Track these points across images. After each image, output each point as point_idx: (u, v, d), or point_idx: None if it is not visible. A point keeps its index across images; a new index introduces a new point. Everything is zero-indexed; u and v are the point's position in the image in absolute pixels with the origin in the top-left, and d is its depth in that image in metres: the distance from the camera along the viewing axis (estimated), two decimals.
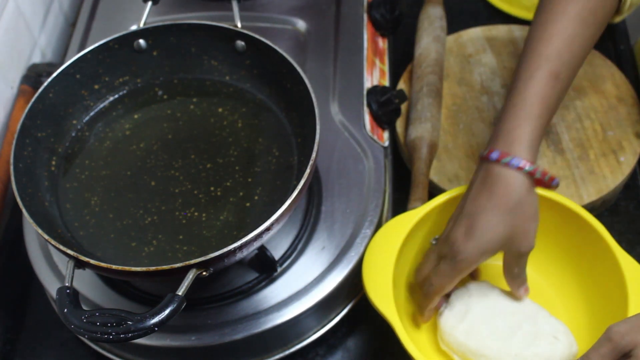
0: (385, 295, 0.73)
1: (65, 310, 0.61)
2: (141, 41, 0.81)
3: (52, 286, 0.77)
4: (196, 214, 0.73)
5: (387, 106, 0.87)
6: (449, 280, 0.73)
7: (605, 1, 0.74)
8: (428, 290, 0.75)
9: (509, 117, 0.73)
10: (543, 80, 0.72)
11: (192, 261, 0.62)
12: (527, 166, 0.71)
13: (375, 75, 0.91)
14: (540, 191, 0.77)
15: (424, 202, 0.82)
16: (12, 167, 0.70)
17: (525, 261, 0.75)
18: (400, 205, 0.86)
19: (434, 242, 0.79)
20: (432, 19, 1.00)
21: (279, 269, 0.76)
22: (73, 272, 0.64)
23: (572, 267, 0.81)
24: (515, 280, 0.76)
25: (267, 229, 0.65)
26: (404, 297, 0.79)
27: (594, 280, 0.79)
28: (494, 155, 0.71)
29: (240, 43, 0.80)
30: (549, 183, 0.75)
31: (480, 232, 0.71)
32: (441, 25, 0.99)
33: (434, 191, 0.84)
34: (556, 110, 0.74)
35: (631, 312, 0.71)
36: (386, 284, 0.74)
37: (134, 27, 0.84)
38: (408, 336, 0.70)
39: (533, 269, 0.83)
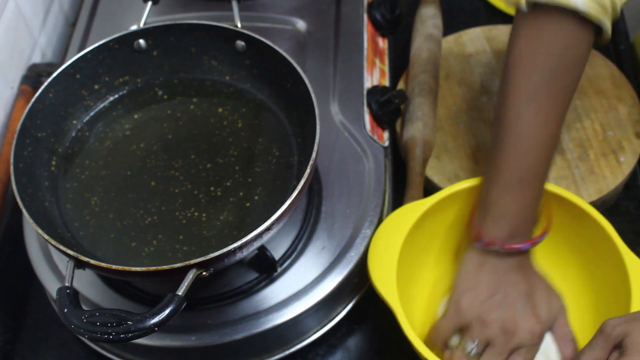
0: (389, 282, 0.73)
1: (65, 310, 0.61)
2: (141, 41, 0.81)
3: (52, 286, 0.77)
4: (196, 214, 0.73)
5: (387, 106, 0.87)
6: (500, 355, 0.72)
7: (571, 66, 0.70)
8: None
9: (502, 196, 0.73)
10: (516, 192, 0.72)
11: (192, 261, 0.62)
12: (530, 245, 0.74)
13: (375, 75, 0.91)
14: (549, 187, 0.77)
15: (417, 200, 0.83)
16: (12, 167, 0.70)
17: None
18: (400, 205, 0.86)
19: (472, 350, 0.73)
20: (424, 18, 1.00)
21: (279, 269, 0.76)
22: (73, 272, 0.64)
23: (577, 263, 0.81)
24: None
25: (267, 229, 0.65)
26: (410, 287, 0.79)
27: (598, 277, 0.79)
28: (521, 246, 0.73)
29: (240, 43, 0.80)
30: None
31: (548, 310, 0.73)
32: (434, 24, 1.00)
33: (433, 191, 0.84)
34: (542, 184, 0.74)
35: (634, 309, 0.71)
36: (391, 271, 0.74)
37: (134, 27, 0.84)
38: (410, 325, 0.71)
39: (535, 265, 0.83)
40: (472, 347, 0.72)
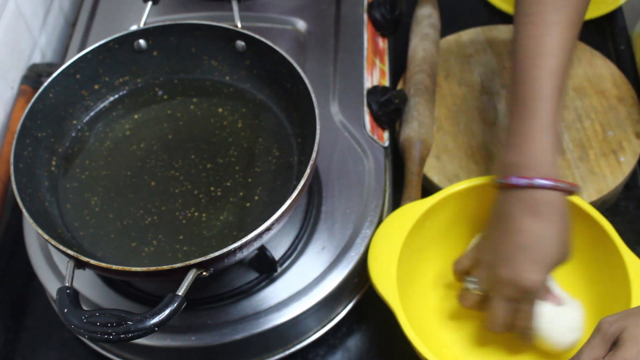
0: (389, 282, 0.74)
1: (65, 310, 0.61)
2: (141, 41, 0.81)
3: (52, 286, 0.77)
4: (196, 214, 0.73)
5: (387, 106, 0.87)
6: (533, 316, 0.73)
7: None
8: (523, 334, 0.75)
9: (524, 137, 0.72)
10: (551, 99, 0.71)
11: (192, 261, 0.62)
12: (561, 184, 0.71)
13: (375, 75, 0.91)
14: None
15: (415, 200, 0.83)
16: (12, 167, 0.70)
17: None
18: (399, 205, 0.86)
19: (471, 286, 0.76)
20: (420, 18, 1.00)
21: (279, 269, 0.76)
22: (73, 272, 0.64)
23: (576, 263, 0.81)
24: None
25: (267, 229, 0.65)
26: (410, 287, 0.79)
27: (598, 277, 0.79)
28: (522, 181, 0.71)
29: (240, 43, 0.80)
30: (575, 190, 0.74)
31: (548, 260, 0.71)
32: (430, 23, 1.00)
33: (433, 191, 0.84)
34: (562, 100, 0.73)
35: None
36: (391, 271, 0.74)
37: (134, 27, 0.84)
38: (410, 325, 0.71)
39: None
40: (470, 283, 0.75)
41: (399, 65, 1.00)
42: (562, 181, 0.71)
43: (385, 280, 0.74)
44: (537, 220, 0.71)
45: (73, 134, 0.79)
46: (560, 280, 0.82)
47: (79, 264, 0.65)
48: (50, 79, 0.76)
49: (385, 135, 0.87)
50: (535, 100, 0.71)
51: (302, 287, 0.75)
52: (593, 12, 1.06)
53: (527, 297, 0.72)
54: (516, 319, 0.73)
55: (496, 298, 0.73)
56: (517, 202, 0.72)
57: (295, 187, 0.67)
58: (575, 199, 0.78)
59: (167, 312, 0.59)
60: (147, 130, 0.80)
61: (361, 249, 0.77)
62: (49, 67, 0.99)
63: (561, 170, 0.90)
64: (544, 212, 0.71)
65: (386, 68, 0.96)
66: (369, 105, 0.87)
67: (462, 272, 0.77)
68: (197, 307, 0.75)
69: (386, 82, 0.94)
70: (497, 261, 0.72)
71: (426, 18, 1.00)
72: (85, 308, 0.62)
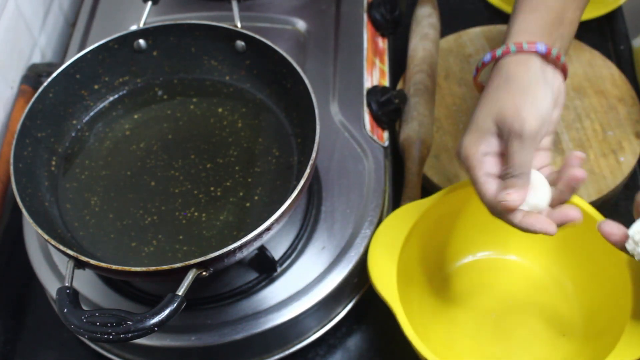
0: (389, 282, 0.74)
1: (65, 310, 0.61)
2: (141, 41, 0.81)
3: (52, 286, 0.77)
4: (196, 214, 0.73)
5: (387, 106, 0.87)
6: (477, 188, 0.67)
7: None
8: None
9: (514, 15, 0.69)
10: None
11: (192, 261, 0.62)
12: (512, 47, 0.66)
13: (375, 75, 0.91)
14: None
15: (415, 200, 0.83)
16: (12, 167, 0.70)
17: (519, 154, 0.65)
18: (399, 204, 0.86)
19: None
20: (420, 18, 1.00)
21: (279, 269, 0.76)
22: (73, 272, 0.64)
23: (576, 263, 0.81)
24: (509, 180, 0.66)
25: (267, 229, 0.65)
26: (410, 287, 0.79)
27: (598, 277, 0.79)
28: (486, 58, 0.68)
29: (240, 43, 0.80)
30: (558, 59, 0.68)
31: (472, 118, 0.67)
32: (429, 23, 1.00)
33: (433, 191, 0.84)
34: (565, 12, 0.69)
35: (634, 309, 0.72)
36: (391, 271, 0.74)
37: (134, 27, 0.84)
38: (410, 325, 0.71)
39: (536, 265, 0.83)
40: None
41: (398, 65, 1.00)
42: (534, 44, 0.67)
43: (385, 280, 0.74)
44: (492, 81, 0.68)
45: (73, 134, 0.79)
46: (560, 280, 0.82)
47: (79, 264, 0.65)
48: (50, 79, 0.76)
49: (385, 135, 0.87)
50: None
51: (302, 287, 0.75)
52: (593, 12, 1.06)
53: (465, 166, 0.68)
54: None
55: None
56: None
57: (295, 187, 0.67)
58: (575, 198, 0.78)
59: (167, 312, 0.59)
60: (147, 130, 0.80)
61: (361, 249, 0.77)
62: (49, 67, 0.99)
63: None
64: (499, 72, 0.67)
65: (386, 68, 0.96)
66: (369, 105, 0.87)
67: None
68: (197, 307, 0.75)
69: (386, 82, 0.94)
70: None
71: (426, 18, 1.00)
72: (85, 308, 0.62)
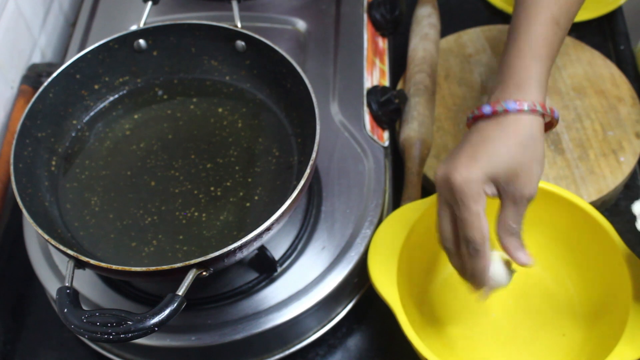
0: (389, 282, 0.74)
1: (65, 310, 0.61)
2: (141, 41, 0.81)
3: (52, 286, 0.77)
4: (196, 214, 0.73)
5: (387, 106, 0.87)
6: (465, 224, 0.66)
7: None
8: (469, 250, 0.67)
9: (513, 61, 0.70)
10: (545, 25, 0.69)
11: (192, 261, 0.62)
12: (539, 108, 0.67)
13: (375, 75, 0.91)
14: (548, 186, 0.77)
15: (415, 200, 0.83)
16: (12, 167, 0.70)
17: (522, 214, 0.67)
18: (400, 204, 0.86)
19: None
20: (420, 18, 1.01)
21: (279, 269, 0.76)
22: (73, 272, 0.64)
23: (576, 263, 0.81)
24: (510, 238, 0.68)
25: (267, 229, 0.65)
26: (410, 287, 0.79)
27: (598, 277, 0.79)
28: (511, 106, 0.67)
29: (240, 43, 0.80)
30: (554, 120, 0.70)
31: (486, 158, 0.66)
32: (429, 23, 1.00)
33: (433, 191, 0.84)
34: (555, 58, 0.71)
35: (634, 309, 0.72)
36: (391, 271, 0.74)
37: (134, 27, 0.84)
38: (410, 325, 0.71)
39: (536, 264, 0.83)
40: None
41: (399, 65, 1.00)
42: (550, 108, 0.68)
43: (385, 280, 0.74)
44: (498, 127, 0.67)
45: (73, 134, 0.79)
46: (560, 280, 0.82)
47: (79, 264, 0.65)
48: (50, 79, 0.76)
49: (385, 135, 0.87)
50: (530, 27, 0.70)
51: (302, 287, 0.75)
52: (593, 12, 1.06)
53: (459, 198, 0.65)
54: (459, 230, 0.67)
55: (438, 206, 0.69)
56: (482, 125, 0.69)
57: (295, 187, 0.67)
58: (575, 198, 0.78)
59: (167, 312, 0.59)
60: (147, 130, 0.80)
61: (361, 249, 0.77)
62: (49, 67, 0.99)
63: (561, 170, 0.90)
64: (510, 125, 0.67)
65: (386, 68, 0.96)
66: (369, 105, 0.87)
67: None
68: (197, 307, 0.75)
69: (386, 82, 0.94)
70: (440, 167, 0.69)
71: (426, 18, 1.00)
72: (85, 308, 0.62)
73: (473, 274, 0.69)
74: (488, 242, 0.67)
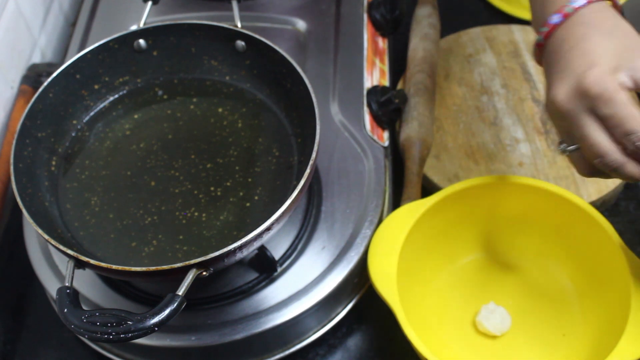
0: (389, 282, 0.74)
1: (65, 310, 0.61)
2: (141, 41, 0.81)
3: (52, 286, 0.77)
4: (196, 214, 0.73)
5: (387, 106, 0.87)
6: (618, 121, 0.59)
7: None
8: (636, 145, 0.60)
9: None
10: None
11: (192, 261, 0.62)
12: None
13: (375, 75, 0.91)
14: (548, 186, 0.77)
15: (415, 200, 0.83)
16: (12, 167, 0.70)
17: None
18: (400, 204, 0.86)
19: (564, 148, 0.65)
20: (420, 18, 1.01)
21: (279, 269, 0.76)
22: (73, 272, 0.64)
23: (576, 263, 0.81)
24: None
25: (267, 229, 0.65)
26: (410, 287, 0.79)
27: (598, 277, 0.79)
28: (578, 2, 0.64)
29: (240, 43, 0.80)
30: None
31: (596, 50, 0.62)
32: (429, 23, 1.00)
33: (433, 191, 0.84)
34: None
35: (634, 309, 0.72)
36: (391, 271, 0.74)
37: (134, 27, 0.84)
38: (410, 325, 0.71)
39: (536, 264, 0.83)
40: (561, 144, 0.66)
41: (399, 65, 1.00)
42: None
43: (385, 280, 0.74)
44: (583, 27, 0.63)
45: (73, 134, 0.79)
46: (560, 280, 0.82)
47: (79, 264, 0.65)
48: (50, 79, 0.76)
49: (385, 135, 0.87)
50: None
51: (302, 287, 0.75)
52: None
53: (599, 96, 0.59)
54: (614, 132, 0.60)
55: (579, 124, 0.61)
56: (561, 34, 0.65)
57: (295, 187, 0.67)
58: (575, 198, 0.78)
59: (167, 312, 0.59)
60: (147, 130, 0.80)
61: (361, 249, 0.77)
62: (49, 67, 0.99)
63: (561, 170, 0.90)
64: (591, 18, 0.64)
65: (386, 68, 0.96)
66: (369, 105, 0.87)
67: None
68: (197, 307, 0.75)
69: (386, 82, 0.94)
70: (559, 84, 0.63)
71: (426, 18, 1.00)
72: (85, 308, 0.62)
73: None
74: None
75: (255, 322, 0.73)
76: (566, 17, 0.65)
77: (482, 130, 0.94)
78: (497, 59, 1.00)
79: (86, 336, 0.59)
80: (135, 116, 0.81)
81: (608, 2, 0.66)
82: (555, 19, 0.66)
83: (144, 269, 0.63)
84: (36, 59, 1.02)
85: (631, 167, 0.61)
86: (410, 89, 0.93)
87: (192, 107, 0.81)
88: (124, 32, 0.80)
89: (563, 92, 0.62)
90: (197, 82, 0.83)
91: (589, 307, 0.79)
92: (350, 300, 0.81)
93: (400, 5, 0.97)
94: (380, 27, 0.96)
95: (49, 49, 1.06)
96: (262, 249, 0.73)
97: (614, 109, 0.59)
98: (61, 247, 0.64)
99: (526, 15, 1.06)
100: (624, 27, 0.65)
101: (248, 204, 0.73)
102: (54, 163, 0.77)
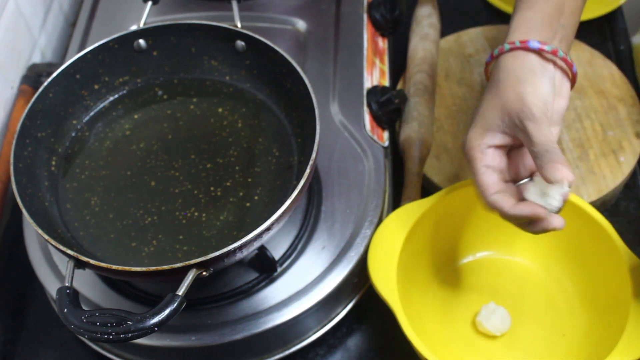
0: (389, 282, 0.74)
1: (65, 310, 0.61)
2: (141, 41, 0.81)
3: (52, 286, 0.77)
4: (196, 214, 0.73)
5: (387, 106, 0.87)
6: (475, 180, 0.68)
7: None
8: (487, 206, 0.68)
9: (512, 18, 0.71)
10: None
11: (192, 261, 0.62)
12: (506, 46, 0.68)
13: (375, 75, 0.91)
14: None
15: (415, 200, 0.83)
16: (12, 167, 0.70)
17: (540, 135, 0.64)
18: (400, 204, 0.86)
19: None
20: (420, 18, 1.01)
21: (279, 269, 0.76)
22: (73, 272, 0.64)
23: (577, 263, 0.81)
24: (538, 159, 0.64)
25: (267, 229, 0.65)
26: (410, 287, 0.79)
27: (598, 277, 0.79)
28: (502, 48, 0.69)
29: (240, 43, 0.80)
30: (568, 62, 0.69)
31: (477, 114, 0.69)
32: (429, 23, 1.00)
33: (433, 191, 0.84)
34: (566, 3, 0.69)
35: (634, 309, 0.72)
36: (391, 271, 0.74)
37: (134, 27, 0.84)
38: (410, 325, 0.71)
39: (536, 264, 0.83)
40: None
41: (399, 65, 1.00)
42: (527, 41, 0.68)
43: (385, 280, 0.74)
44: (497, 72, 0.69)
45: (73, 134, 0.79)
46: (560, 280, 0.82)
47: (79, 264, 0.65)
48: (50, 79, 0.76)
49: (385, 135, 0.87)
50: None
51: (302, 287, 0.75)
52: (593, 12, 1.06)
53: (468, 161, 0.69)
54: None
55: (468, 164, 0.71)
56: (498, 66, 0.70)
57: (295, 187, 0.67)
58: (575, 199, 0.78)
59: (167, 312, 0.59)
60: (147, 130, 0.80)
61: (361, 249, 0.77)
62: (49, 67, 0.99)
63: None
64: (505, 64, 0.68)
65: (386, 68, 0.96)
66: (369, 105, 0.87)
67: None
68: (197, 307, 0.75)
69: (386, 82, 0.94)
70: None
71: (426, 18, 1.00)
72: (85, 308, 0.62)
73: (509, 220, 0.68)
74: (492, 192, 0.67)
75: (255, 322, 0.73)
76: (492, 58, 0.71)
77: None
78: None
79: (86, 336, 0.59)
80: (135, 116, 0.81)
81: (534, 52, 0.68)
82: (487, 59, 0.72)
83: (144, 269, 0.63)
84: (36, 59, 1.02)
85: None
86: (410, 89, 0.93)
87: (192, 107, 0.81)
88: (124, 32, 0.80)
89: (463, 139, 0.71)
90: (197, 82, 0.83)
91: (589, 307, 0.79)
92: (350, 300, 0.81)
93: (400, 5, 0.97)
94: (380, 27, 0.96)
95: (49, 49, 1.06)
96: (262, 249, 0.73)
97: (473, 172, 0.69)
98: (61, 247, 0.64)
99: None
100: (533, 79, 0.67)
101: (248, 204, 0.73)
102: (54, 163, 0.77)
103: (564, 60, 0.69)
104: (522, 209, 0.65)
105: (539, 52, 0.68)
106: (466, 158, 0.69)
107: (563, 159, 0.63)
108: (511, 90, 0.67)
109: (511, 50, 0.69)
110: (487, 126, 0.68)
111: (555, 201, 0.64)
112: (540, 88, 0.66)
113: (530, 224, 0.66)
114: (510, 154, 0.70)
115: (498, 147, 0.69)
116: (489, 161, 0.68)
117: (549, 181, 0.63)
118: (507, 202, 0.66)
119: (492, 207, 0.68)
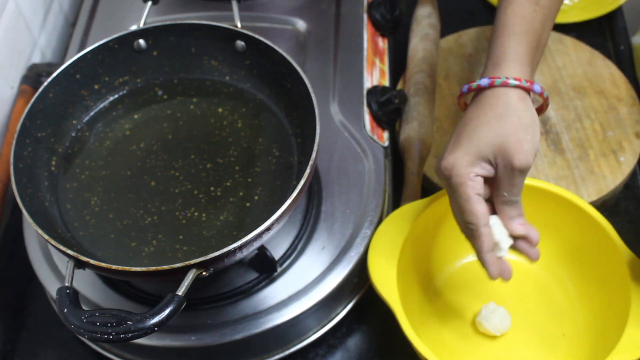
0: (389, 282, 0.74)
1: (65, 310, 0.61)
2: (141, 41, 0.81)
3: (52, 286, 0.77)
4: (196, 214, 0.73)
5: (387, 106, 0.87)
6: (460, 209, 0.69)
7: None
8: (464, 232, 0.71)
9: (492, 42, 0.71)
10: (522, 5, 0.70)
11: (192, 261, 0.62)
12: (512, 81, 0.68)
13: (375, 75, 0.91)
14: (549, 187, 0.77)
15: (415, 200, 0.83)
16: (12, 167, 0.70)
17: (519, 184, 0.68)
18: (400, 204, 0.86)
19: None
20: (420, 18, 1.01)
21: (279, 269, 0.76)
22: (73, 272, 0.64)
23: (577, 263, 0.81)
24: (503, 206, 0.69)
25: (267, 229, 0.65)
26: (410, 287, 0.79)
27: (598, 277, 0.79)
28: (483, 82, 0.69)
29: (240, 43, 0.80)
30: (541, 94, 0.71)
31: (467, 139, 0.68)
32: (429, 23, 1.00)
33: (433, 191, 0.84)
34: (543, 37, 0.71)
35: (634, 310, 0.72)
36: (391, 271, 0.74)
37: (134, 27, 0.84)
38: (410, 325, 0.71)
39: (537, 265, 0.83)
40: None
41: (399, 65, 1.00)
42: (523, 80, 0.68)
43: (385, 280, 0.74)
44: (475, 108, 0.69)
45: (73, 134, 0.79)
46: (560, 280, 0.82)
47: (79, 264, 0.65)
48: (50, 79, 0.76)
49: (385, 135, 0.87)
50: (507, 9, 0.71)
51: (302, 287, 0.75)
52: (593, 12, 1.06)
53: (450, 185, 0.69)
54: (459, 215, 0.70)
55: (449, 196, 0.71)
56: (468, 108, 0.71)
57: (295, 187, 0.67)
58: (575, 199, 0.78)
59: (167, 312, 0.59)
60: (147, 130, 0.80)
61: (361, 249, 0.77)
62: (49, 67, 0.99)
63: (561, 170, 0.90)
64: (486, 102, 0.69)
65: (386, 68, 0.96)
66: (369, 105, 0.87)
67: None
68: (197, 307, 0.75)
69: (386, 82, 0.94)
70: None
71: (426, 18, 1.00)
72: (85, 308, 0.62)
73: (479, 257, 0.70)
74: (485, 222, 0.68)
75: (255, 322, 0.73)
76: (470, 90, 0.71)
77: None
78: None
79: (86, 336, 0.59)
80: (135, 116, 0.81)
81: (515, 88, 0.69)
82: (464, 89, 0.71)
83: (144, 269, 0.63)
84: (36, 59, 1.02)
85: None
86: (410, 89, 0.93)
87: (192, 107, 0.81)
88: (124, 32, 0.80)
89: (435, 164, 0.71)
90: (197, 82, 0.83)
91: (589, 307, 0.79)
92: (350, 300, 0.81)
93: (400, 5, 0.97)
94: (380, 27, 0.96)
95: (49, 49, 1.06)
96: (262, 249, 0.73)
97: (459, 200, 0.69)
98: (61, 247, 0.64)
99: None
100: (513, 117, 0.68)
101: (248, 204, 0.73)
102: (54, 163, 0.77)
103: (547, 101, 0.72)
104: (490, 262, 0.70)
105: (527, 92, 0.69)
106: (452, 182, 0.68)
107: (522, 211, 0.70)
108: (514, 135, 0.67)
109: (517, 87, 0.68)
110: (480, 156, 0.68)
111: (504, 252, 0.70)
112: (537, 138, 0.68)
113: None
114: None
115: (483, 177, 0.69)
116: (479, 189, 0.68)
117: (511, 232, 0.70)
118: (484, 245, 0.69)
119: (478, 241, 0.69)
